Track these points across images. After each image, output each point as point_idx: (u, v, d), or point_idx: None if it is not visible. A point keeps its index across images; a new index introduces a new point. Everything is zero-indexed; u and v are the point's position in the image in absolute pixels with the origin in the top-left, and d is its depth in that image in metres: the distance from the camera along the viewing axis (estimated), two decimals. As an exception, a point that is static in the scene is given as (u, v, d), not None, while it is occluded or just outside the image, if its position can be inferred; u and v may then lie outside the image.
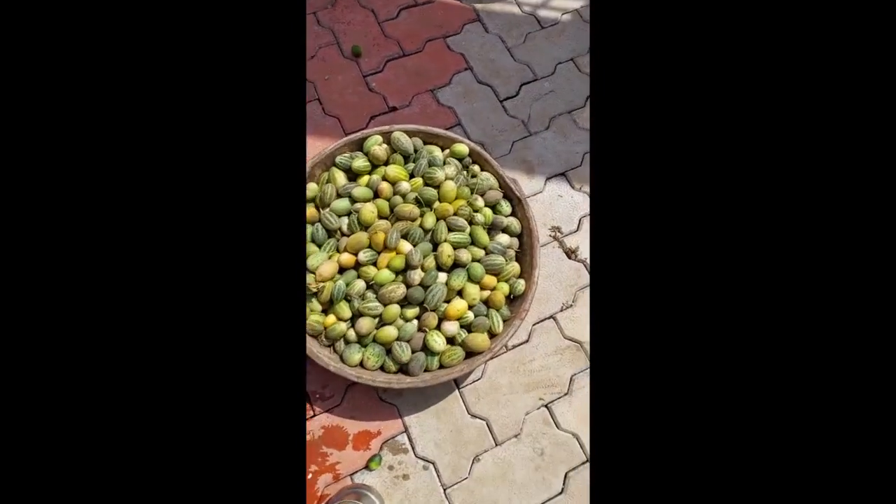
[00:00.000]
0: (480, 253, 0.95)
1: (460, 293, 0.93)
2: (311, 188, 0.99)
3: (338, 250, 0.95)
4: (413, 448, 0.95)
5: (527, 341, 1.05)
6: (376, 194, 0.97)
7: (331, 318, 0.90)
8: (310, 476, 0.93)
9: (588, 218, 1.16)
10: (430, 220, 0.94)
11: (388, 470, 0.94)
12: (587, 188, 1.19)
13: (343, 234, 0.96)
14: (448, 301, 0.92)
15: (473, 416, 0.98)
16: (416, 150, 1.01)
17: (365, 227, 0.94)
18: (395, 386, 0.86)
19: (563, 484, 0.94)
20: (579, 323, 1.07)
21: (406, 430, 0.97)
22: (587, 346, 1.05)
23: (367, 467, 0.94)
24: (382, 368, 0.91)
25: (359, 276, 0.92)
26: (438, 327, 0.92)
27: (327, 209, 0.96)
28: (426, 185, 0.98)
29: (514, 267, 0.96)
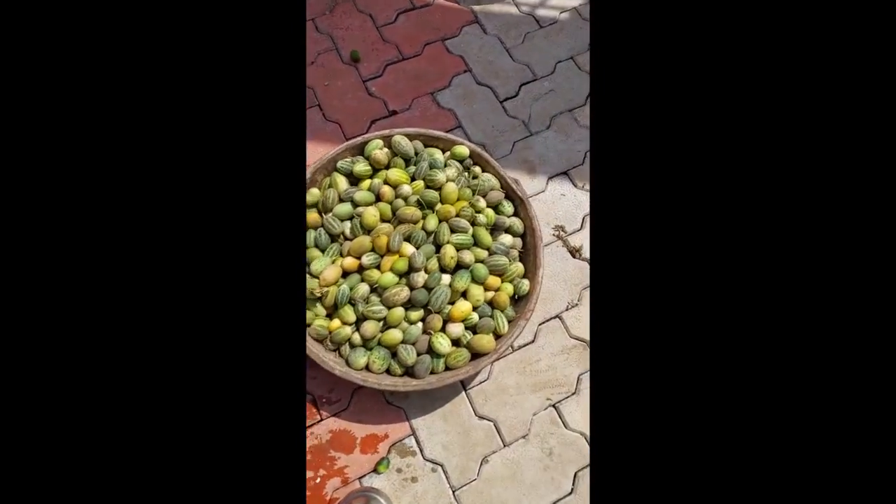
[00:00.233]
0: (483, 254, 0.95)
1: (464, 295, 0.93)
2: (313, 193, 1.00)
3: (341, 254, 0.95)
4: (421, 451, 0.95)
5: (533, 341, 1.04)
6: (378, 198, 0.98)
7: (335, 323, 0.91)
8: (318, 480, 0.93)
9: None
10: (432, 222, 0.94)
11: (397, 473, 0.94)
12: (589, 186, 1.19)
13: (346, 239, 0.97)
14: (452, 303, 0.92)
15: (481, 417, 0.98)
16: (416, 153, 1.01)
17: (367, 230, 0.95)
18: (402, 389, 0.86)
19: (573, 484, 0.94)
20: (585, 322, 1.06)
21: (413, 433, 0.97)
22: (593, 345, 1.04)
23: (375, 471, 0.94)
24: (388, 371, 0.91)
25: (362, 280, 0.93)
26: (443, 329, 0.92)
27: (330, 214, 0.96)
28: (427, 187, 0.98)
29: (518, 267, 0.96)
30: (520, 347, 1.04)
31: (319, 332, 0.89)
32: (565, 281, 1.10)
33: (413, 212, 0.93)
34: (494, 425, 0.97)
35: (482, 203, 0.97)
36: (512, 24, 1.36)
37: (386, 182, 0.98)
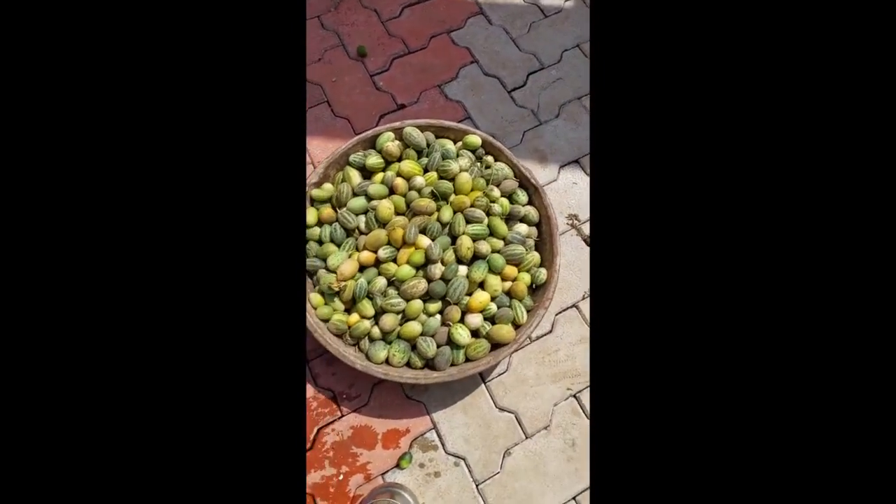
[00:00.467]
0: (500, 244, 0.94)
1: (482, 285, 0.92)
2: (327, 188, 0.99)
3: (357, 249, 0.94)
4: (443, 445, 0.95)
5: (550, 332, 1.03)
6: (392, 191, 0.97)
7: (354, 317, 0.90)
8: (341, 477, 0.92)
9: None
10: (447, 213, 0.93)
11: (419, 468, 0.93)
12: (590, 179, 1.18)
13: (361, 233, 0.96)
14: (470, 294, 0.91)
15: (501, 409, 0.97)
16: (428, 145, 1.00)
17: (383, 224, 0.94)
18: (423, 381, 0.86)
19: (597, 473, 0.93)
20: (603, 310, 1.05)
21: (434, 427, 0.96)
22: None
23: (397, 466, 0.93)
24: (408, 364, 0.90)
25: (379, 274, 0.92)
26: (462, 320, 0.91)
27: (344, 208, 0.96)
28: (441, 178, 0.97)
29: (535, 256, 0.95)
30: (538, 338, 1.03)
31: (339, 326, 0.89)
32: (580, 270, 1.09)
33: (427, 203, 0.93)
34: (515, 417, 0.97)
35: (496, 192, 0.96)
36: (517, 14, 1.35)
37: (399, 174, 0.97)
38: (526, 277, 0.94)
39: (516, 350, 0.94)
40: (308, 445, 0.94)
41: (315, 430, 0.95)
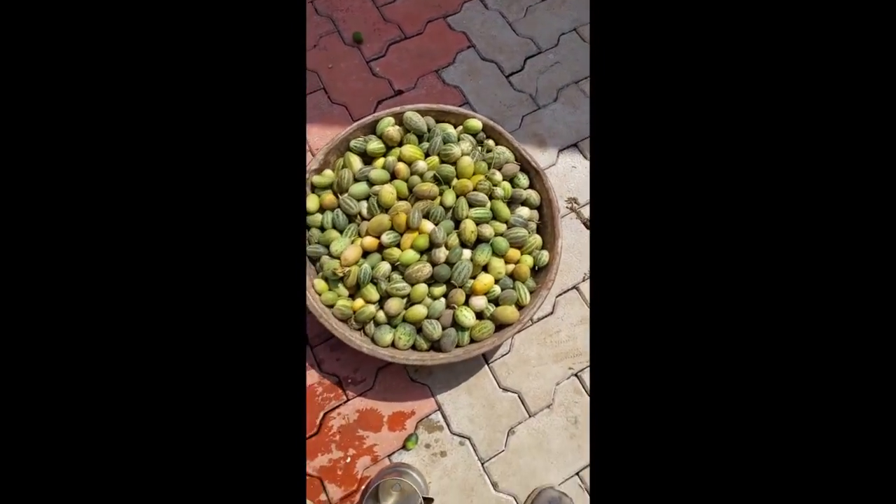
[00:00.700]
0: (502, 227, 0.95)
1: (485, 268, 0.93)
2: (328, 175, 0.99)
3: (359, 235, 0.95)
4: (448, 425, 0.96)
5: (552, 313, 1.05)
6: (393, 176, 0.97)
7: (359, 302, 0.90)
8: (348, 460, 0.94)
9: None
10: (450, 197, 0.94)
11: (426, 448, 0.95)
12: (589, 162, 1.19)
13: (363, 219, 0.96)
14: (474, 276, 0.92)
15: (505, 389, 0.99)
16: (429, 129, 1.00)
17: (385, 209, 0.94)
18: (429, 363, 0.87)
19: (600, 450, 0.95)
20: (603, 291, 1.07)
21: (439, 408, 0.97)
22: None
23: (404, 447, 0.94)
24: (414, 347, 0.91)
25: (383, 259, 0.92)
26: (466, 303, 0.92)
27: (346, 194, 0.96)
28: (443, 162, 0.97)
29: (537, 239, 0.96)
30: (539, 319, 1.04)
31: (344, 311, 0.89)
32: (580, 252, 1.10)
33: (430, 188, 0.93)
34: (519, 396, 0.98)
35: (498, 176, 0.97)
36: (513, -2, 1.35)
37: (400, 159, 0.97)
38: (528, 260, 0.95)
39: (520, 331, 0.95)
40: (314, 430, 0.95)
41: (321, 414, 0.96)
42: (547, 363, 1.01)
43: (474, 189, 0.95)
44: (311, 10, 1.32)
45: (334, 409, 0.97)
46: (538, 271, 0.97)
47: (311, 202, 0.97)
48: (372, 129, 1.02)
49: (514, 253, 0.94)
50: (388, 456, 0.94)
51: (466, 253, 0.92)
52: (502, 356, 1.01)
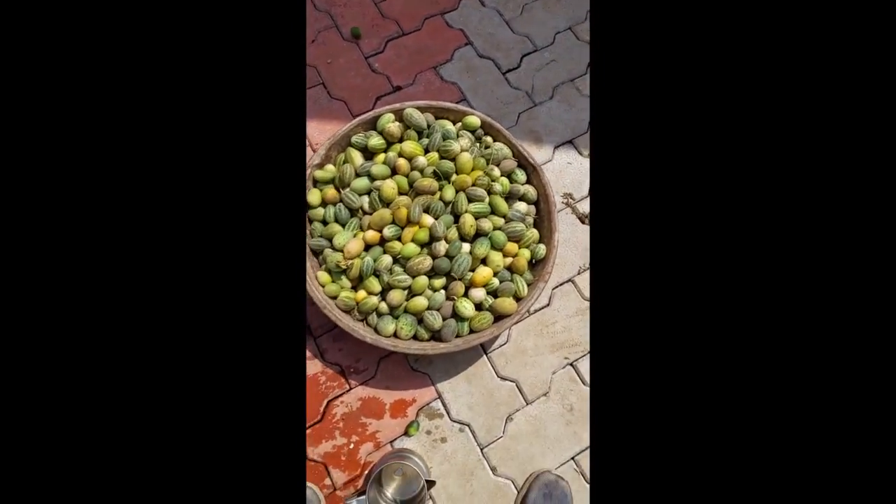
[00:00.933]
0: (501, 221, 0.98)
1: (484, 261, 0.96)
2: (329, 169, 1.01)
3: (361, 228, 0.97)
4: (448, 412, 0.99)
5: (548, 305, 1.08)
6: (394, 171, 0.99)
7: (361, 294, 0.93)
8: (352, 446, 0.97)
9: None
10: (449, 192, 0.96)
11: (426, 435, 0.98)
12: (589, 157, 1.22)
13: (365, 213, 0.98)
14: (473, 269, 0.95)
15: (503, 378, 1.02)
16: (428, 126, 1.03)
17: (386, 203, 0.97)
18: (430, 352, 0.90)
19: (594, 435, 0.99)
20: (597, 283, 1.10)
21: (440, 397, 1.00)
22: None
23: (405, 434, 0.97)
24: (415, 337, 0.94)
25: (385, 252, 0.95)
26: (466, 295, 0.95)
27: (347, 189, 0.98)
28: (442, 158, 1.00)
29: (534, 233, 0.99)
30: (536, 311, 1.08)
31: (347, 303, 0.92)
32: (576, 246, 1.14)
33: (430, 183, 0.96)
34: (516, 385, 1.02)
35: (496, 172, 1.00)
36: (510, -5, 1.37)
37: (401, 155, 0.99)
38: (526, 253, 0.98)
39: (517, 322, 0.99)
40: (318, 418, 0.98)
41: (324, 402, 0.99)
42: (543, 353, 1.05)
43: (473, 184, 0.97)
44: (309, 5, 1.33)
45: (337, 397, 1.00)
46: (535, 264, 1.00)
47: (314, 196, 0.99)
48: (372, 125, 1.04)
49: (512, 246, 0.97)
50: (391, 442, 0.97)
51: (466, 246, 0.95)
52: (500, 346, 1.05)
